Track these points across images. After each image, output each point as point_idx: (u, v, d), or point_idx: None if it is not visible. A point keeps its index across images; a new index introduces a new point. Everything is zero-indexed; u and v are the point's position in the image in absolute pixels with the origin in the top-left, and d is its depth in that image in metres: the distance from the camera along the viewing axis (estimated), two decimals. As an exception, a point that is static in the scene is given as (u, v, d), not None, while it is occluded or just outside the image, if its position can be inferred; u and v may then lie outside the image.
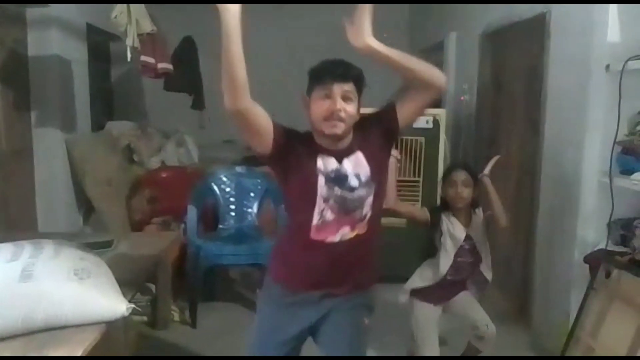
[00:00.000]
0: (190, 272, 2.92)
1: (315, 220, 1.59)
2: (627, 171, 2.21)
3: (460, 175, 2.26)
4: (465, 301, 2.34)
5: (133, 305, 1.67)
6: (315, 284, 1.65)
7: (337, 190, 1.58)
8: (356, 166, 1.60)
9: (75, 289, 1.56)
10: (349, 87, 1.54)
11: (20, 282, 1.50)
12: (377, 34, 1.49)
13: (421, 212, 2.35)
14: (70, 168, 3.60)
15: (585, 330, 2.17)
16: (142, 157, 4.12)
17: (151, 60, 3.42)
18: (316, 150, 1.59)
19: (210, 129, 4.60)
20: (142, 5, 3.12)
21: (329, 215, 1.59)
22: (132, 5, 3.01)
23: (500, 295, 3.29)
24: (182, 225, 3.24)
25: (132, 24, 3.04)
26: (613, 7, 2.28)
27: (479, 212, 2.31)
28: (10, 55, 3.19)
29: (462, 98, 3.94)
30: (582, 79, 2.43)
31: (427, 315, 2.30)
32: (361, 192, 1.59)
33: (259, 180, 3.44)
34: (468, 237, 2.26)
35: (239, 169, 3.50)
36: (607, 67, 2.29)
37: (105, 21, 3.23)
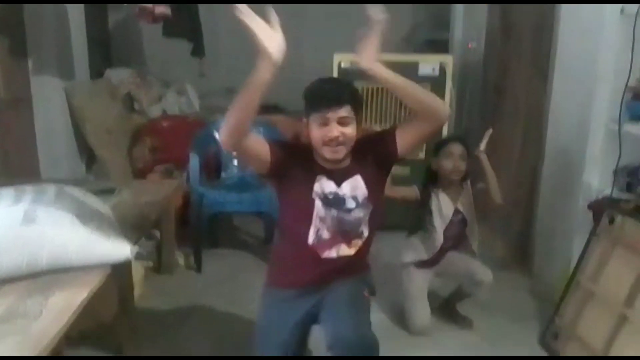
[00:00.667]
0: (193, 219, 2.93)
1: (311, 239, 1.64)
2: (637, 117, 2.16)
3: (458, 148, 2.27)
4: (456, 258, 2.38)
5: (137, 249, 1.69)
6: (312, 285, 1.70)
7: (334, 212, 1.63)
8: (354, 189, 1.64)
9: (78, 231, 1.56)
10: (344, 111, 1.55)
11: (23, 226, 1.51)
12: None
13: (411, 192, 2.37)
14: (70, 116, 3.56)
15: (586, 275, 2.19)
16: (143, 105, 4.07)
17: (149, 5, 3.31)
18: (315, 171, 1.63)
19: (210, 77, 4.50)
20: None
21: (325, 234, 1.64)
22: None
23: (501, 241, 3.31)
24: (185, 174, 3.23)
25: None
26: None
27: (468, 185, 2.34)
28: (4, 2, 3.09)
29: (469, 45, 3.83)
30: (595, 23, 2.33)
31: (418, 280, 2.37)
32: (358, 213, 1.65)
33: (261, 129, 3.39)
34: (457, 211, 2.31)
35: (241, 117, 3.44)
36: (622, 10, 2.20)
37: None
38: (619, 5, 2.20)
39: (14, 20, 3.19)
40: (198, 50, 4.45)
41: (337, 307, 1.65)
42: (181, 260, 2.98)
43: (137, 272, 2.53)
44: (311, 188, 1.62)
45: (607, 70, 2.28)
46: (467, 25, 3.96)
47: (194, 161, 2.95)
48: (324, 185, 1.63)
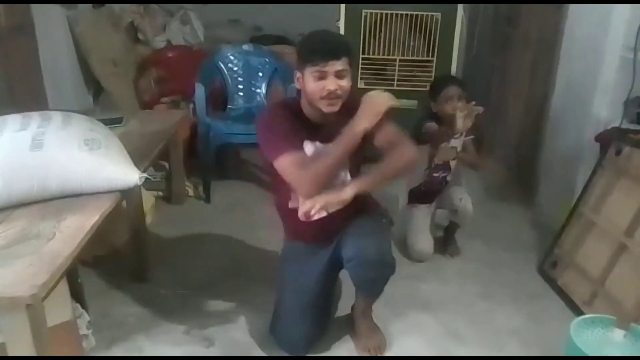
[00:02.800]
0: (201, 149, 2.96)
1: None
2: (653, 46, 2.09)
3: (455, 90, 2.24)
4: (448, 190, 2.45)
5: (146, 175, 1.72)
6: (319, 240, 1.78)
7: None
8: None
9: (86, 157, 1.59)
10: (341, 64, 1.55)
11: (31, 151, 1.54)
12: None
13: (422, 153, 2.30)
14: (74, 46, 3.52)
15: (589, 205, 2.21)
16: (147, 35, 4.00)
17: None
18: (302, 134, 1.64)
19: (214, 7, 4.37)
20: None
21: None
22: None
23: (507, 170, 3.31)
24: (191, 105, 3.22)
25: None
26: None
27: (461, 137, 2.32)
28: None
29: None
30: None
31: (419, 214, 2.46)
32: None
33: (267, 60, 3.34)
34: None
35: (246, 47, 3.37)
36: None
37: None
38: None
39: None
40: (202, -22, 4.30)
41: (358, 230, 1.71)
42: (190, 191, 3.04)
43: (148, 201, 2.59)
44: (302, 148, 1.64)
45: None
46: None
47: (199, 92, 2.93)
48: (308, 148, 1.65)
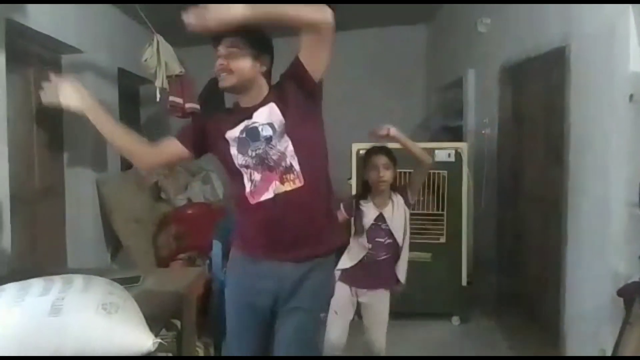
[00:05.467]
0: (215, 308, 2.92)
1: (248, 187, 1.70)
2: (656, 201, 2.16)
3: (381, 159, 2.39)
4: (377, 306, 2.49)
5: (159, 340, 1.68)
6: (267, 245, 1.72)
7: (254, 147, 1.66)
8: (269, 116, 1.66)
9: (103, 323, 1.58)
10: (228, 44, 1.63)
11: (49, 317, 1.53)
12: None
13: (339, 215, 2.42)
14: (99, 206, 3.70)
15: (623, 367, 2.08)
16: (170, 194, 4.22)
17: (179, 100, 3.55)
18: (228, 121, 1.71)
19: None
20: (171, 48, 3.27)
21: (256, 175, 1.68)
22: (161, 48, 3.16)
23: (532, 331, 3.19)
24: (208, 261, 3.26)
25: (161, 66, 3.18)
26: (634, 37, 2.28)
27: (397, 197, 2.46)
28: (46, 99, 3.34)
29: (483, 132, 3.95)
30: (605, 110, 2.41)
31: (343, 295, 2.44)
32: (278, 141, 1.65)
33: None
34: (381, 217, 2.42)
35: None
36: (631, 97, 2.27)
37: (135, 65, 3.37)
38: (628, 92, 2.28)
39: (53, 114, 3.43)
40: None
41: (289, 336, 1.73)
42: (201, 351, 2.93)
43: (157, 363, 2.49)
44: (226, 140, 1.70)
45: (622, 157, 2.32)
46: (480, 113, 4.10)
47: (216, 248, 2.99)
48: (234, 130, 1.69)
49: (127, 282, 2.19)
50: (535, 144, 3.30)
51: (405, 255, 2.48)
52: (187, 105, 3.62)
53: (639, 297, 2.11)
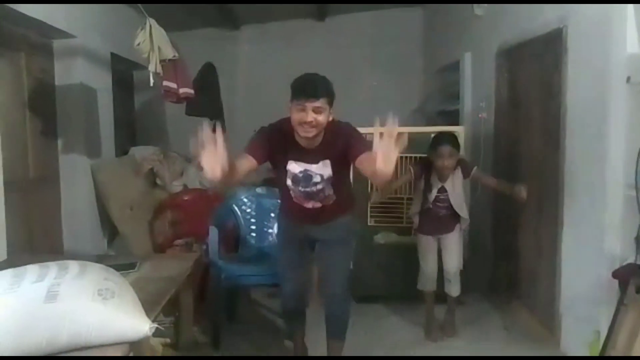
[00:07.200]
0: (212, 293, 2.92)
1: (292, 195, 2.26)
2: (653, 183, 2.15)
3: (446, 149, 2.79)
4: (451, 243, 2.96)
5: (156, 325, 1.68)
6: (304, 222, 2.34)
7: (301, 187, 2.19)
8: (322, 168, 2.15)
9: (99, 309, 1.57)
10: (319, 102, 1.99)
11: (45, 303, 1.53)
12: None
13: (407, 177, 2.99)
14: (95, 193, 3.68)
15: (617, 348, 2.09)
16: (165, 180, 4.20)
17: (173, 85, 3.50)
18: (291, 151, 2.14)
19: (230, 153, 4.64)
20: (164, 32, 3.21)
21: (299, 197, 2.25)
22: (154, 32, 3.10)
23: (528, 313, 3.21)
24: (204, 247, 3.26)
25: (154, 50, 3.12)
26: (631, 19, 2.27)
27: (459, 171, 2.88)
28: (38, 85, 3.31)
29: (480, 116, 3.93)
30: (602, 92, 2.40)
31: (424, 243, 3.00)
32: (320, 186, 2.19)
33: (279, 201, 3.45)
34: (443, 189, 2.88)
35: (259, 190, 3.52)
36: (628, 79, 2.26)
37: (128, 50, 3.32)
38: (625, 74, 2.27)
39: (46, 100, 3.40)
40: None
41: (326, 256, 2.40)
42: (199, 337, 2.94)
43: (155, 349, 2.49)
44: (286, 169, 2.18)
45: (619, 139, 2.32)
46: (477, 96, 4.08)
47: (213, 234, 2.99)
48: (295, 167, 2.16)
49: (123, 269, 2.19)
50: (531, 127, 3.29)
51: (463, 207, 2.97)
52: (182, 90, 3.58)
53: (634, 279, 2.12)
